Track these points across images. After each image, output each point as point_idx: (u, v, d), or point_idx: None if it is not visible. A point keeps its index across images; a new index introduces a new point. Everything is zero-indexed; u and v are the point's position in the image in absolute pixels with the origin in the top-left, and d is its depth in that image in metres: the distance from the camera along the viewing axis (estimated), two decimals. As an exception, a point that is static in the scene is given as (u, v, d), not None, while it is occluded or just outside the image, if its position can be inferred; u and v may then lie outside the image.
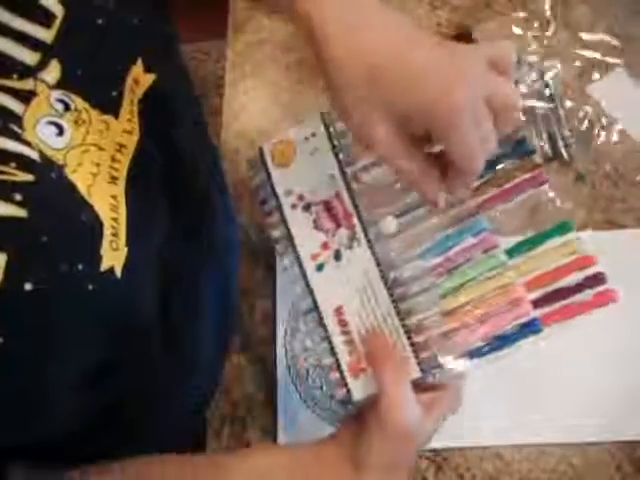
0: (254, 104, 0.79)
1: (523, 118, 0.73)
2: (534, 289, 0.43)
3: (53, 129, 0.37)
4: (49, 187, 0.35)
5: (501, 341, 0.43)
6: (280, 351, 0.64)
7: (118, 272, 0.39)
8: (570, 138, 0.73)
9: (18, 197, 0.33)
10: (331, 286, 0.47)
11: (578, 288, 0.43)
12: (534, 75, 0.77)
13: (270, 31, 0.83)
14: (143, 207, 0.43)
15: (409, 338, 0.45)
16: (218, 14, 0.86)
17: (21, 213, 0.33)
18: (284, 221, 0.49)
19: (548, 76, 0.77)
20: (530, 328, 0.43)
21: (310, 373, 0.63)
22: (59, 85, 0.38)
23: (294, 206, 0.48)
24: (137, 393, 0.49)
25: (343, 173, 0.47)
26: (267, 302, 0.67)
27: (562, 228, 0.44)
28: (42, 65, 0.37)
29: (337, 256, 0.47)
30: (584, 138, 0.73)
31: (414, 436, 0.45)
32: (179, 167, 0.50)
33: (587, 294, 0.43)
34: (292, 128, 0.50)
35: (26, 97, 0.36)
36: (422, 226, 0.45)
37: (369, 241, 0.46)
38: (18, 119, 0.36)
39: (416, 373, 0.45)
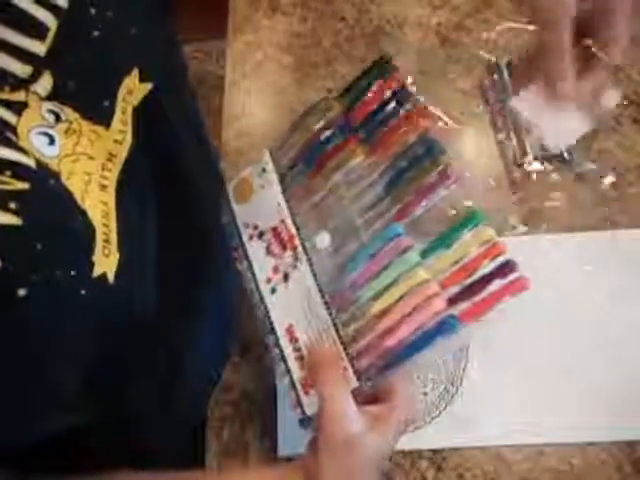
0: (254, 104, 0.79)
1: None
2: (451, 286, 0.44)
3: (44, 139, 0.37)
4: (45, 195, 0.36)
5: (421, 341, 0.43)
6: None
7: (110, 278, 0.39)
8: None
9: (13, 206, 0.33)
10: (282, 307, 0.50)
11: (489, 278, 0.43)
12: (534, 75, 0.77)
13: (270, 31, 0.83)
14: (133, 214, 0.43)
15: (345, 349, 0.46)
16: (218, 14, 0.86)
17: (16, 221, 0.33)
18: (245, 253, 0.53)
19: (548, 76, 0.77)
20: (446, 325, 0.43)
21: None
22: (51, 97, 0.38)
23: (251, 237, 0.53)
24: (135, 395, 0.49)
25: (287, 201, 0.51)
26: (267, 302, 0.67)
27: (471, 219, 0.44)
28: (34, 77, 0.37)
29: (285, 278, 0.50)
30: (584, 138, 0.73)
31: (357, 447, 0.44)
32: (172, 174, 0.50)
33: (499, 284, 0.43)
34: (249, 167, 0.55)
35: (18, 108, 0.36)
36: (352, 242, 0.48)
37: (309, 259, 0.49)
38: (12, 128, 0.36)
39: (353, 383, 0.46)
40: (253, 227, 0.53)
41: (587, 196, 0.70)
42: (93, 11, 0.40)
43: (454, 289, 0.44)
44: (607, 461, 0.58)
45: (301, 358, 0.48)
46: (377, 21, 0.82)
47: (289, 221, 0.51)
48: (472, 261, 0.43)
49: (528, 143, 0.73)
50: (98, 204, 0.40)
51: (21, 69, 0.36)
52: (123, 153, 0.43)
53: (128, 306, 0.42)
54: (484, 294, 0.43)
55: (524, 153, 0.73)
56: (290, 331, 0.49)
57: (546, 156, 0.72)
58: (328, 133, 0.51)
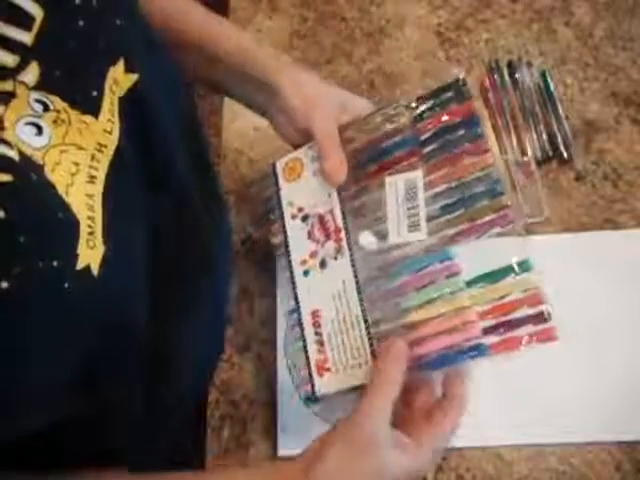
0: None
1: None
2: (487, 318, 0.47)
3: (32, 129, 0.37)
4: (27, 187, 0.35)
5: (452, 358, 0.47)
6: (280, 351, 0.64)
7: (95, 270, 0.39)
8: (570, 138, 0.73)
9: None
10: (312, 291, 0.52)
11: (524, 322, 0.47)
12: (534, 75, 0.77)
13: (270, 31, 0.83)
14: (121, 207, 0.43)
15: (371, 345, 0.49)
16: (218, 14, 0.86)
17: None
18: (284, 228, 0.55)
19: (548, 76, 0.77)
20: (478, 350, 0.47)
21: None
22: (38, 86, 0.38)
23: (293, 216, 0.55)
24: (125, 392, 0.48)
25: (339, 194, 0.53)
26: (267, 302, 0.67)
27: (521, 267, 0.47)
28: (21, 67, 0.37)
29: (322, 264, 0.52)
30: (584, 138, 0.73)
31: (376, 448, 0.45)
32: (160, 167, 0.50)
33: (530, 329, 0.47)
34: (302, 148, 0.56)
35: (5, 98, 0.36)
36: (396, 250, 0.50)
37: (352, 255, 0.51)
38: None
39: (370, 379, 0.47)
40: (297, 208, 0.54)
41: (587, 196, 0.70)
42: (78, 1, 0.40)
43: (489, 322, 0.47)
44: (607, 461, 0.58)
45: (320, 343, 0.50)
46: (377, 21, 0.82)
47: (338, 213, 0.52)
48: (513, 302, 0.47)
49: (528, 143, 0.73)
50: (83, 197, 0.39)
51: (8, 59, 0.36)
52: (113, 143, 0.43)
53: (114, 301, 0.42)
54: (515, 333, 0.46)
55: (524, 153, 0.73)
56: (315, 315, 0.51)
57: (546, 156, 0.72)
58: (395, 140, 0.52)
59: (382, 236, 0.50)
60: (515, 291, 0.47)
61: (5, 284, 0.33)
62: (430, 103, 0.52)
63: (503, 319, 0.47)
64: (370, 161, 0.53)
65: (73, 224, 0.38)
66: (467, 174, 0.49)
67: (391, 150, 0.52)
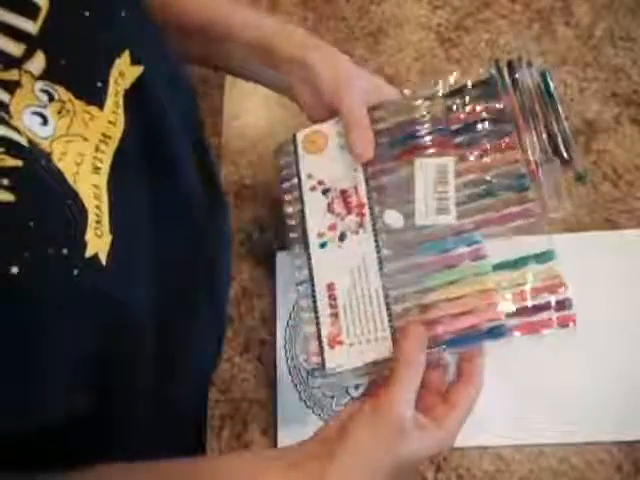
0: (254, 104, 0.79)
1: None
2: (509, 302, 0.48)
3: (38, 119, 0.38)
4: (37, 173, 0.36)
5: (470, 339, 0.48)
6: (280, 351, 0.64)
7: (103, 259, 0.39)
8: (570, 138, 0.73)
9: (6, 182, 0.33)
10: (329, 263, 0.52)
11: (545, 307, 0.48)
12: (534, 75, 0.77)
13: (270, 31, 0.83)
14: (125, 199, 0.43)
15: (390, 320, 0.49)
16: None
17: (9, 197, 0.33)
18: (301, 199, 0.54)
19: (548, 76, 0.77)
20: (498, 331, 0.47)
21: (310, 373, 0.63)
22: (43, 76, 0.38)
23: (313, 188, 0.54)
24: (130, 388, 0.49)
25: (365, 170, 0.53)
26: (267, 302, 0.67)
27: (544, 256, 0.49)
28: (27, 56, 0.37)
29: (342, 237, 0.51)
30: (584, 138, 0.73)
31: (403, 434, 0.45)
32: (163, 160, 0.50)
33: (551, 314, 0.48)
34: (328, 122, 0.56)
35: (11, 87, 0.36)
36: (424, 230, 0.51)
37: (374, 230, 0.51)
38: (5, 107, 0.36)
39: (388, 353, 0.49)
40: (318, 181, 0.54)
41: (587, 196, 0.70)
42: None
43: (511, 305, 0.48)
44: (607, 461, 0.58)
45: (335, 315, 0.50)
46: (377, 21, 0.82)
47: (362, 189, 0.52)
48: (535, 288, 0.48)
49: (528, 143, 0.73)
50: (89, 186, 0.40)
51: (14, 48, 0.37)
52: (117, 135, 0.43)
53: (120, 290, 0.42)
54: (535, 318, 0.48)
55: (524, 153, 0.73)
56: (331, 288, 0.51)
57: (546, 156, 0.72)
58: (427, 126, 0.53)
59: (408, 216, 0.51)
60: (537, 279, 0.48)
61: (15, 269, 0.33)
62: (463, 96, 0.54)
63: (525, 304, 0.48)
64: (400, 142, 0.53)
65: (81, 211, 0.38)
66: (494, 168, 0.51)
67: (422, 135, 0.53)
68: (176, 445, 0.60)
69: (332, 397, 0.62)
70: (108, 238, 0.40)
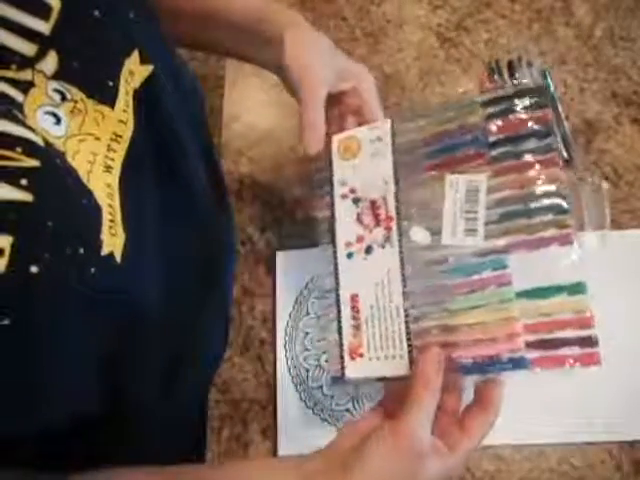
0: (254, 104, 0.79)
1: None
2: (531, 332, 0.46)
3: (51, 118, 0.38)
4: (54, 172, 0.36)
5: (489, 367, 0.47)
6: (280, 351, 0.64)
7: (118, 257, 0.39)
8: (570, 138, 0.73)
9: (24, 182, 0.34)
10: (354, 275, 0.51)
11: (569, 343, 0.46)
12: (534, 75, 0.77)
13: (270, 31, 0.83)
14: (136, 197, 0.43)
15: (409, 339, 0.48)
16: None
17: (27, 197, 0.34)
18: (332, 206, 0.54)
19: (548, 76, 0.77)
20: (519, 363, 0.46)
21: (310, 373, 0.63)
22: (56, 76, 0.39)
23: (344, 196, 0.53)
24: (138, 387, 0.49)
25: (396, 182, 0.51)
26: (267, 302, 0.67)
27: (575, 288, 0.46)
28: (40, 56, 0.38)
29: (368, 250, 0.51)
30: (584, 138, 0.73)
31: (420, 457, 0.45)
32: (171, 157, 0.50)
33: (575, 350, 0.45)
34: (362, 127, 0.55)
35: (24, 87, 0.37)
36: (450, 249, 0.49)
37: (401, 246, 0.50)
38: (20, 106, 0.36)
39: (405, 372, 0.48)
40: (350, 189, 0.53)
41: (587, 196, 0.70)
42: None
43: (533, 336, 0.46)
44: (607, 461, 0.58)
45: (357, 327, 0.50)
46: (377, 21, 0.82)
47: (391, 201, 0.50)
48: (561, 321, 0.46)
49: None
50: (102, 185, 0.40)
51: (27, 48, 0.37)
52: (128, 134, 0.43)
53: (135, 290, 0.42)
54: (558, 352, 0.45)
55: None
56: (354, 300, 0.51)
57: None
58: (462, 137, 0.50)
59: (434, 233, 0.49)
60: (565, 311, 0.46)
61: (35, 268, 0.34)
62: (504, 105, 0.50)
63: (547, 336, 0.46)
64: (434, 154, 0.51)
65: (97, 210, 0.39)
66: (533, 185, 0.47)
67: (457, 147, 0.50)
68: (176, 445, 0.60)
69: (332, 397, 0.62)
70: (122, 237, 0.40)
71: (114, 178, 0.41)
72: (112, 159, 0.42)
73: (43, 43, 0.38)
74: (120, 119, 0.43)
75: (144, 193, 0.46)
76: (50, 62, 0.38)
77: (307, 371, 0.63)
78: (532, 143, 0.48)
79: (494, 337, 0.46)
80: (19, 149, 0.34)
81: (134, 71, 0.44)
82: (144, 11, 0.46)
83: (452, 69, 0.78)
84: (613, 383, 0.60)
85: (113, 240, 0.39)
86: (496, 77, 0.77)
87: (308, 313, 0.65)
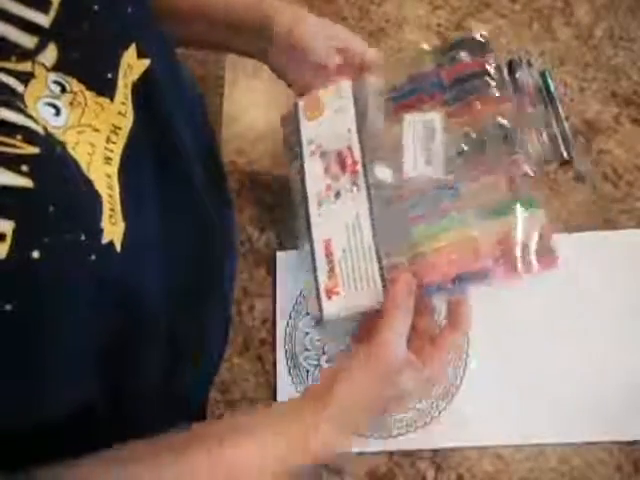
0: (254, 104, 0.79)
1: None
2: (492, 249, 0.49)
3: (51, 110, 0.39)
4: (54, 160, 0.37)
5: (456, 285, 0.50)
6: (280, 351, 0.64)
7: (118, 247, 0.40)
8: (570, 138, 0.73)
9: (25, 168, 0.34)
10: (326, 221, 0.54)
11: (527, 254, 0.49)
12: (534, 75, 0.77)
13: (270, 31, 0.82)
14: (135, 189, 0.44)
15: (381, 274, 0.51)
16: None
17: (28, 184, 0.34)
18: (302, 165, 0.56)
19: (548, 76, 0.77)
20: (482, 278, 0.49)
21: (310, 373, 0.63)
22: (56, 68, 0.39)
23: (312, 153, 0.56)
24: (138, 382, 0.49)
25: (359, 130, 0.55)
26: (267, 302, 0.67)
27: (529, 203, 0.50)
28: (40, 48, 0.38)
29: (337, 195, 0.54)
30: (584, 138, 0.73)
31: (396, 374, 0.49)
32: (169, 151, 0.51)
33: (533, 258, 0.49)
34: (323, 89, 0.58)
35: (25, 78, 0.37)
36: (412, 184, 0.53)
37: (367, 187, 0.53)
38: (20, 97, 0.37)
39: (379, 302, 0.51)
40: (317, 145, 0.56)
41: (587, 196, 0.70)
42: None
43: (495, 252, 0.49)
44: (607, 461, 0.58)
45: (331, 269, 0.53)
46: (377, 21, 0.82)
47: (356, 147, 0.54)
48: (518, 235, 0.49)
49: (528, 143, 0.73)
50: (102, 175, 0.41)
51: (27, 40, 0.38)
52: (127, 126, 0.44)
53: (135, 280, 0.43)
54: (518, 263, 0.48)
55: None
56: (327, 245, 0.53)
57: (546, 156, 0.72)
58: (417, 83, 0.55)
59: (397, 171, 0.53)
60: (522, 225, 0.49)
61: (36, 254, 0.34)
62: (453, 53, 0.55)
63: (508, 251, 0.49)
64: (392, 101, 0.55)
65: (96, 199, 0.39)
66: (483, 121, 0.52)
67: (413, 92, 0.55)
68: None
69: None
70: (121, 226, 0.41)
71: (113, 169, 0.42)
72: (111, 150, 0.42)
73: (43, 36, 0.38)
74: (119, 111, 0.43)
75: (143, 187, 0.46)
76: (49, 54, 0.39)
77: (307, 371, 0.63)
78: (478, 83, 0.53)
79: (458, 258, 0.49)
80: (19, 137, 0.34)
81: (132, 65, 0.45)
82: (142, 7, 0.47)
83: (452, 69, 0.78)
84: (613, 383, 0.61)
85: (113, 229, 0.40)
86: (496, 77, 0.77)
87: (308, 313, 0.65)
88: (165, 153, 0.49)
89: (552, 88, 0.76)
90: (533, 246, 0.48)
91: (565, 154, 0.72)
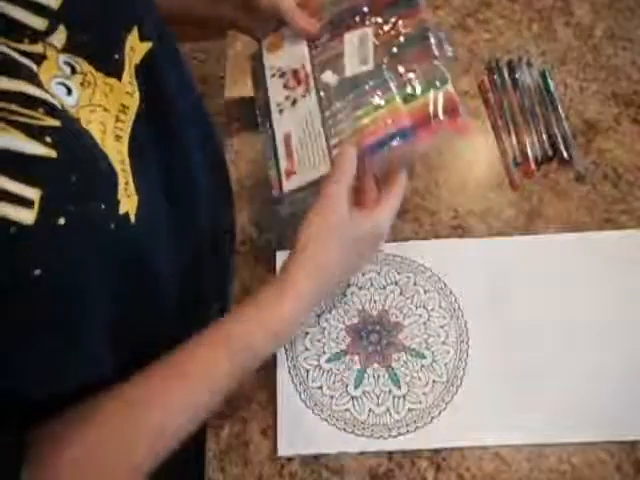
0: (253, 105, 0.79)
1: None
2: (411, 115, 0.60)
3: (63, 89, 0.40)
4: (73, 132, 0.38)
5: (386, 142, 0.59)
6: (280, 351, 0.64)
7: (132, 217, 0.42)
8: (570, 138, 0.73)
9: (48, 139, 0.36)
10: (285, 122, 0.65)
11: (437, 113, 0.59)
12: (534, 75, 0.77)
13: (270, 31, 0.83)
14: (144, 167, 0.46)
15: (329, 151, 0.61)
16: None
17: (52, 154, 0.36)
18: (265, 87, 0.67)
19: (548, 76, 0.77)
20: (403, 136, 0.59)
21: (310, 373, 0.63)
22: (65, 49, 0.41)
23: (273, 75, 0.67)
24: (146, 359, 0.50)
25: (310, 51, 0.66)
26: (267, 302, 0.67)
27: (442, 82, 0.60)
28: (50, 30, 0.40)
29: (293, 103, 0.65)
30: (584, 138, 0.73)
31: (342, 220, 0.54)
32: (171, 136, 0.53)
33: (445, 119, 0.58)
34: (284, 27, 0.67)
35: (38, 60, 0.39)
36: (352, 81, 0.64)
37: (318, 92, 0.64)
38: (35, 75, 0.38)
39: (329, 168, 0.60)
40: (277, 69, 0.67)
41: (587, 196, 0.70)
42: None
43: (414, 117, 0.60)
44: (607, 461, 0.58)
45: (290, 155, 0.63)
46: (377, 21, 0.82)
47: (308, 64, 0.65)
48: (432, 104, 0.59)
49: (528, 143, 0.73)
50: (115, 152, 0.42)
51: (38, 22, 0.39)
52: (134, 105, 0.46)
53: (149, 252, 0.45)
54: (432, 123, 0.59)
55: (524, 153, 0.73)
56: (287, 137, 0.64)
57: (546, 156, 0.72)
58: (354, 11, 0.65)
59: (340, 74, 0.64)
60: (432, 95, 0.59)
61: (62, 220, 0.36)
62: None
63: (425, 115, 0.59)
64: (334, 27, 0.66)
65: (112, 171, 0.41)
66: (402, 32, 0.63)
67: (348, 18, 0.66)
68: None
69: (332, 397, 0.62)
70: (135, 199, 0.42)
71: (124, 147, 0.44)
72: (121, 129, 0.44)
73: (53, 17, 0.40)
74: (127, 91, 0.45)
75: (150, 165, 0.48)
76: (59, 36, 0.40)
77: (307, 371, 0.63)
78: (397, 7, 0.64)
79: (385, 124, 0.60)
80: (41, 109, 0.36)
81: (134, 47, 0.46)
82: None
83: (452, 69, 0.78)
84: (613, 383, 0.61)
85: (128, 200, 0.41)
86: (496, 77, 0.77)
87: None
88: (169, 138, 0.51)
89: (552, 88, 0.76)
90: (441, 108, 0.59)
91: (565, 154, 0.72)
